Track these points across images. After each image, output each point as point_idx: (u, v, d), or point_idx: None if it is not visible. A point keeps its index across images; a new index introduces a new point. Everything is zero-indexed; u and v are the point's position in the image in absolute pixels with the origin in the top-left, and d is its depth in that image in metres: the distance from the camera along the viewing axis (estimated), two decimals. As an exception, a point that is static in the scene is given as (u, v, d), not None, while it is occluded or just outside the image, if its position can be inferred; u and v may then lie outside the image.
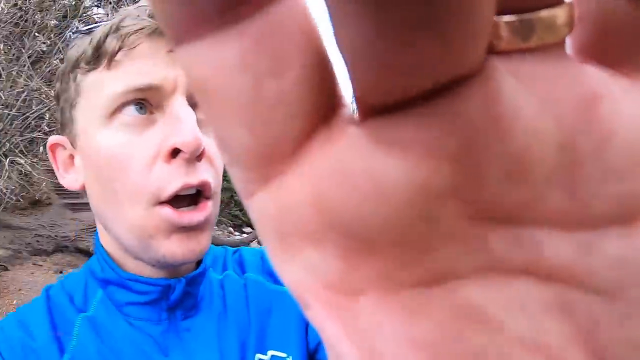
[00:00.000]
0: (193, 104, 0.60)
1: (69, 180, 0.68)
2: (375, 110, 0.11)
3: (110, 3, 6.70)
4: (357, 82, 0.11)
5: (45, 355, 0.61)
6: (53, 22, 5.93)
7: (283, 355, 0.70)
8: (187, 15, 0.10)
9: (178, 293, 0.66)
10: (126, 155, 0.59)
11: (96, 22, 0.67)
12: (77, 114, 0.64)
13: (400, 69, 0.10)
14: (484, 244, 0.12)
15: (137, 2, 0.67)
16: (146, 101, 0.60)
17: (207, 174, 0.60)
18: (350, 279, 0.13)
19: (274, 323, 0.73)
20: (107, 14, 6.41)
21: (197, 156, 0.57)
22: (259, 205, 0.13)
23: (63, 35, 6.12)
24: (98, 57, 0.60)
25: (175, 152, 0.57)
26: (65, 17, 6.38)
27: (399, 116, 0.11)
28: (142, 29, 0.59)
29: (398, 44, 0.09)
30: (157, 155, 0.58)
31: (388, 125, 0.11)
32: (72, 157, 0.68)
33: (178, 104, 0.59)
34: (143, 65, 0.59)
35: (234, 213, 9.21)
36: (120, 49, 0.59)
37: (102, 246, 0.69)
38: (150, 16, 0.59)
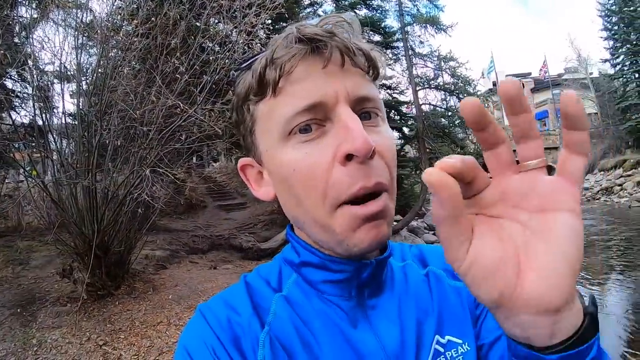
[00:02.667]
0: (357, 111, 0.69)
1: (262, 192, 0.81)
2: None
3: (234, 17, 7.04)
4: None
5: (250, 327, 0.73)
6: (175, 40, 6.26)
7: (459, 341, 0.80)
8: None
9: (369, 272, 0.76)
10: (307, 164, 0.68)
11: (253, 57, 0.78)
12: (257, 138, 0.77)
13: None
14: None
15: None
16: (315, 117, 0.68)
17: (381, 172, 0.69)
18: None
19: (452, 312, 0.84)
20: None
21: (370, 157, 0.66)
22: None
23: (188, 55, 6.55)
24: (262, 88, 0.71)
25: (349, 157, 0.66)
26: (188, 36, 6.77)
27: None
28: (294, 55, 0.68)
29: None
30: (333, 160, 0.67)
31: None
32: (260, 173, 0.80)
33: (344, 113, 0.67)
34: (303, 87, 0.68)
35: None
36: (280, 77, 0.68)
37: (299, 237, 0.81)
38: (297, 41, 0.67)
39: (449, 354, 0.78)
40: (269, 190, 0.79)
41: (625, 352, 5.66)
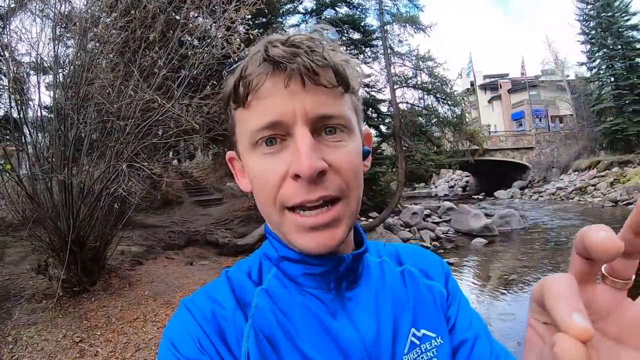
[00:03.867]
0: (313, 130, 0.73)
1: (244, 184, 0.87)
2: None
3: (213, 12, 7.00)
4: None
5: (234, 320, 0.76)
6: (154, 34, 6.20)
7: (433, 335, 0.86)
8: None
9: (347, 265, 0.81)
10: (265, 176, 0.75)
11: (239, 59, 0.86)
12: (237, 138, 0.82)
13: None
14: None
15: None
16: (276, 133, 0.73)
17: (333, 185, 0.73)
18: None
19: (426, 308, 0.89)
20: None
21: (316, 177, 0.71)
22: None
23: (167, 49, 6.49)
24: (237, 99, 0.76)
25: (298, 176, 0.71)
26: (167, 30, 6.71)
27: None
28: (259, 74, 0.72)
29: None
30: (285, 176, 0.73)
31: None
32: (243, 167, 0.84)
33: (298, 133, 0.72)
34: (267, 104, 0.73)
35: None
36: (248, 94, 0.74)
37: (275, 233, 0.84)
38: (263, 60, 0.72)
39: (423, 346, 0.83)
40: (248, 184, 0.84)
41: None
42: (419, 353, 0.82)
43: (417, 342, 0.83)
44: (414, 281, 0.92)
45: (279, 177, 0.73)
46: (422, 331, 0.85)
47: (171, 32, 6.67)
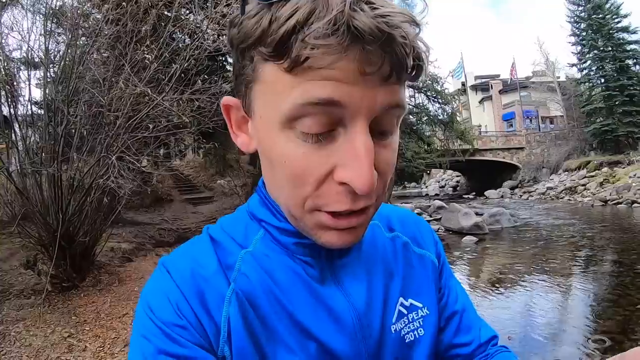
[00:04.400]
0: (374, 131, 0.60)
1: (241, 141, 0.72)
2: None
3: (205, 7, 6.99)
4: None
5: (215, 282, 0.70)
6: (145, 27, 6.18)
7: (420, 304, 0.84)
8: None
9: None
10: (300, 165, 0.60)
11: None
12: (253, 97, 0.64)
13: None
14: None
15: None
16: (327, 116, 0.57)
17: (374, 193, 0.63)
18: None
19: (415, 277, 0.86)
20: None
21: None
22: None
23: (158, 42, 6.48)
24: (279, 53, 0.55)
25: (345, 183, 0.59)
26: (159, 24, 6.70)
27: None
28: (335, 45, 0.51)
29: None
30: (329, 175, 0.60)
31: None
32: (245, 119, 0.71)
33: (359, 132, 0.57)
34: (328, 79, 0.54)
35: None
36: (307, 59, 0.53)
37: (272, 198, 0.75)
38: (354, 27, 0.50)
39: (410, 316, 0.82)
40: (250, 143, 0.71)
41: (589, 337, 5.83)
42: (405, 322, 0.80)
43: (405, 312, 0.81)
44: (404, 249, 0.89)
45: (322, 175, 0.60)
46: (410, 301, 0.83)
47: (162, 26, 6.67)
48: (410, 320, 0.81)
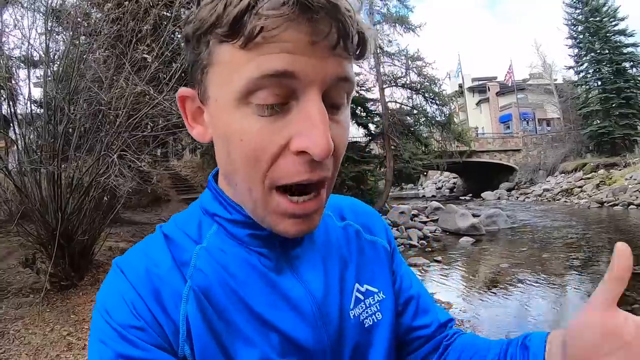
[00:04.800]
0: (326, 103, 0.62)
1: (197, 132, 0.73)
2: None
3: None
4: None
5: (171, 281, 0.69)
6: (146, 27, 6.17)
7: (375, 290, 0.86)
8: None
9: None
10: (257, 142, 0.61)
11: None
12: (208, 81, 0.66)
13: None
14: None
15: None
16: (281, 88, 0.59)
17: (329, 166, 0.66)
18: None
19: (369, 263, 0.89)
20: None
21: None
22: None
23: (159, 42, 6.49)
24: (234, 32, 0.58)
25: (303, 152, 0.60)
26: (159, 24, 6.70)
27: None
28: (286, 14, 0.56)
29: None
30: (285, 147, 0.61)
31: None
32: (200, 110, 0.72)
33: (313, 103, 0.60)
34: (281, 51, 0.57)
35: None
36: (259, 32, 0.56)
37: (222, 191, 0.77)
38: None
39: (367, 301, 0.84)
40: (205, 133, 0.72)
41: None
42: (363, 308, 0.82)
43: (362, 298, 0.83)
44: (357, 236, 0.91)
45: (278, 147, 0.61)
46: (365, 286, 0.85)
47: (163, 24, 6.67)
48: (368, 305, 0.83)
